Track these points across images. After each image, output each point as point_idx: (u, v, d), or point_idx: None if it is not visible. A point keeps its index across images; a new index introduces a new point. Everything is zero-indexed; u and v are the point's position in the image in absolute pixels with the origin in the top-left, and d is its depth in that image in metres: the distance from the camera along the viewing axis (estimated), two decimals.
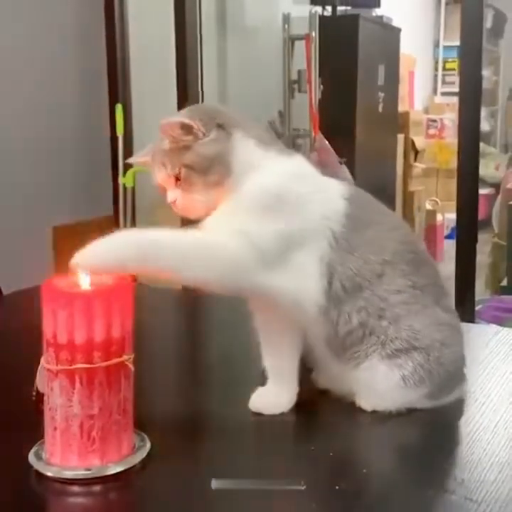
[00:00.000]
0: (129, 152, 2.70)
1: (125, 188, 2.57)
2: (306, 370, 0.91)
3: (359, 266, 0.83)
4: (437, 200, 5.10)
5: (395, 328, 0.84)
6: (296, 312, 0.83)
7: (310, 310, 0.83)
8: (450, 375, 0.87)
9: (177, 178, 0.83)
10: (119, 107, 2.53)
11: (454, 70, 6.14)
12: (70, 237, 2.25)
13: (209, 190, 0.82)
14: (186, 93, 2.63)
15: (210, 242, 0.80)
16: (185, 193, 0.83)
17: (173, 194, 0.84)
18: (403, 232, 0.91)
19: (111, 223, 2.67)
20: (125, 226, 2.59)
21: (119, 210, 2.60)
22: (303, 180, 0.85)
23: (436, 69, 6.52)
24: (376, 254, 0.84)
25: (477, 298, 2.59)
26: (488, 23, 5.91)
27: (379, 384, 0.84)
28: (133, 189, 2.60)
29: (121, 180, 2.55)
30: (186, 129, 0.81)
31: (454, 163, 2.58)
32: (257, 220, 0.80)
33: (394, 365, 0.84)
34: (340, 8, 3.72)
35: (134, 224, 2.66)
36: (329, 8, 3.64)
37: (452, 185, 2.75)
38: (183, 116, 0.82)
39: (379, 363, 0.84)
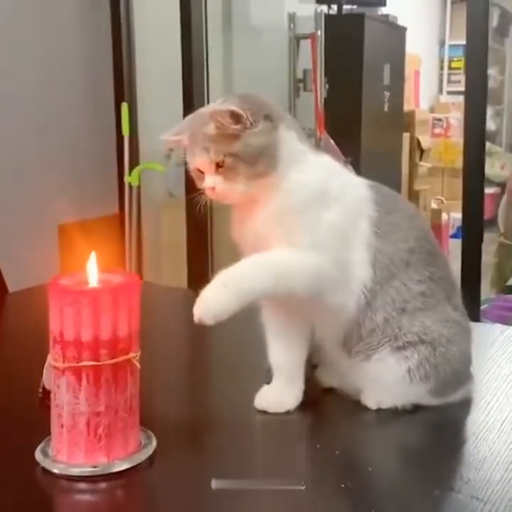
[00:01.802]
0: (134, 151, 2.71)
1: (131, 187, 2.57)
2: (309, 368, 0.91)
3: (392, 252, 0.85)
4: (443, 199, 5.08)
5: (409, 322, 0.84)
6: (325, 306, 0.84)
7: (349, 302, 0.83)
8: (456, 373, 0.87)
9: (218, 165, 0.82)
10: (124, 106, 2.53)
11: (459, 69, 6.12)
12: (75, 236, 2.25)
13: (252, 181, 0.82)
14: (192, 93, 2.63)
15: (297, 262, 0.82)
16: (227, 180, 0.82)
17: (212, 180, 0.83)
18: (421, 220, 0.94)
19: (116, 222, 2.68)
20: (130, 225, 2.59)
21: (125, 209, 2.61)
22: (338, 173, 0.87)
23: (441, 68, 6.51)
24: (403, 241, 0.86)
25: (482, 297, 2.59)
26: (493, 22, 5.89)
27: (385, 376, 0.84)
28: (138, 188, 2.60)
29: (126, 179, 2.55)
30: (235, 117, 0.81)
31: (459, 163, 2.57)
32: (313, 217, 0.82)
33: (401, 357, 0.84)
34: (345, 7, 3.71)
35: (139, 223, 2.66)
36: (335, 7, 3.63)
37: (458, 184, 2.74)
38: (232, 105, 0.81)
39: (389, 356, 0.84)
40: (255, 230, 0.83)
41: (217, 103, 0.84)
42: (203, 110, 0.85)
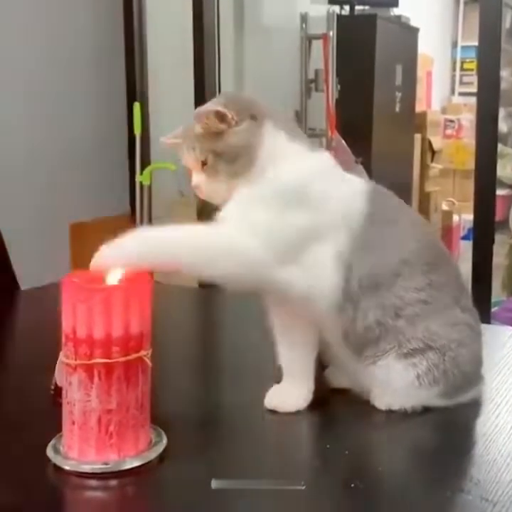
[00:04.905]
0: (146, 151, 2.72)
1: (142, 186, 2.58)
2: (319, 368, 0.91)
3: (377, 264, 0.83)
4: (454, 200, 5.07)
5: (412, 328, 0.84)
6: (310, 308, 0.84)
7: (323, 306, 0.83)
8: (466, 375, 0.87)
9: (204, 163, 0.83)
10: (136, 106, 2.54)
11: (472, 70, 6.10)
12: (87, 234, 2.27)
13: (233, 179, 0.83)
14: (203, 92, 2.64)
15: (227, 237, 0.81)
16: (210, 178, 0.83)
17: (197, 178, 0.84)
18: (422, 229, 0.91)
19: (128, 221, 2.69)
20: (142, 224, 2.60)
21: (136, 208, 2.62)
22: (326, 176, 0.85)
23: (454, 69, 6.49)
24: (394, 253, 0.85)
25: (493, 299, 2.58)
26: (506, 23, 5.85)
27: (394, 382, 0.84)
28: (150, 187, 2.61)
29: (138, 178, 2.56)
30: (220, 117, 0.82)
31: (470, 164, 2.57)
32: (277, 214, 0.81)
33: (409, 364, 0.84)
34: (358, 8, 3.70)
35: (150, 222, 2.67)
36: (347, 8, 3.63)
37: (469, 185, 2.73)
38: (218, 105, 0.82)
39: (395, 362, 0.84)
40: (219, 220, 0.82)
41: (208, 103, 0.84)
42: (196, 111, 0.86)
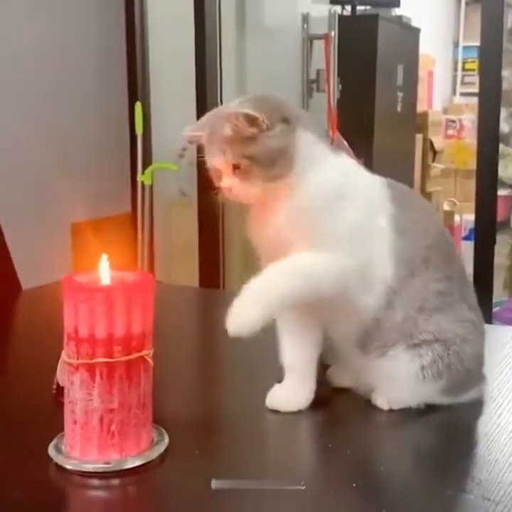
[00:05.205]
0: (147, 150, 2.71)
1: (143, 186, 2.58)
2: (321, 367, 0.91)
3: (411, 249, 0.85)
4: (455, 200, 5.06)
5: (426, 321, 0.84)
6: (367, 303, 0.84)
7: (379, 299, 0.84)
8: (468, 372, 0.87)
9: (235, 166, 0.82)
10: (138, 105, 2.54)
11: (473, 70, 6.10)
12: (88, 234, 2.27)
13: (269, 182, 0.82)
14: (205, 93, 2.64)
15: (329, 264, 0.82)
16: (243, 182, 0.82)
17: (229, 181, 0.83)
18: (438, 217, 0.93)
19: (129, 221, 2.69)
20: (142, 223, 2.60)
21: (138, 208, 2.62)
22: (355, 172, 0.87)
23: (455, 69, 6.48)
24: (422, 238, 0.86)
25: (494, 300, 2.57)
26: (508, 23, 5.85)
27: (399, 374, 0.85)
28: (151, 187, 2.61)
29: (139, 178, 2.56)
30: (251, 120, 0.80)
31: (472, 164, 2.56)
32: (333, 217, 0.82)
33: (415, 354, 0.84)
34: (359, 8, 3.70)
35: (151, 222, 2.67)
36: (348, 8, 3.63)
37: (470, 186, 2.74)
38: (246, 107, 0.81)
39: (403, 353, 0.84)
40: (275, 231, 0.83)
41: (235, 103, 0.83)
42: (223, 109, 0.85)
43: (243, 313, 0.80)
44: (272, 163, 0.81)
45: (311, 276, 0.82)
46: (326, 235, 0.82)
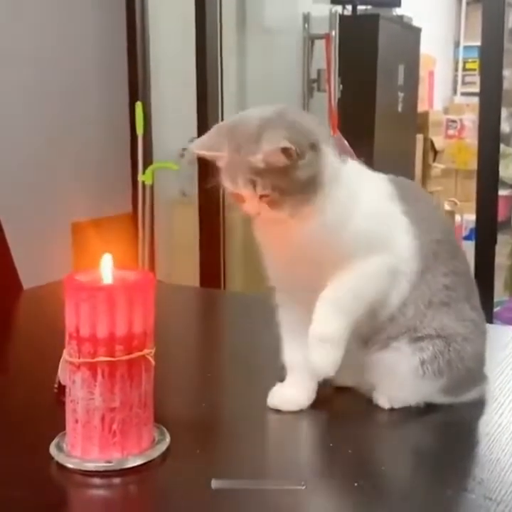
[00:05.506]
0: (148, 150, 2.72)
1: (144, 186, 2.58)
2: None
3: (425, 243, 0.85)
4: (456, 200, 5.06)
5: (431, 316, 0.85)
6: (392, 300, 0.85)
7: (404, 291, 0.85)
8: (469, 371, 0.87)
9: (263, 196, 0.79)
10: (139, 105, 2.54)
11: (474, 70, 6.09)
12: (89, 234, 2.26)
13: (299, 207, 0.80)
14: (206, 93, 2.64)
15: (382, 265, 0.84)
16: (273, 209, 0.80)
17: (256, 208, 0.80)
18: (443, 212, 0.93)
19: (129, 220, 2.69)
20: (143, 223, 2.60)
21: (138, 208, 2.62)
22: (364, 177, 0.87)
23: (456, 69, 6.47)
24: (432, 232, 0.86)
25: (495, 299, 2.58)
26: (509, 23, 5.85)
27: (399, 367, 0.85)
28: (152, 187, 2.61)
29: (140, 178, 2.56)
30: (286, 153, 0.77)
31: (473, 164, 2.56)
32: (369, 224, 0.83)
33: (416, 348, 0.84)
34: (360, 8, 3.70)
35: (152, 221, 2.67)
36: (349, 8, 3.63)
37: (471, 186, 2.74)
38: (282, 136, 0.76)
39: (406, 346, 0.85)
40: (300, 250, 0.82)
41: (259, 116, 0.79)
42: (244, 126, 0.79)
43: (321, 358, 0.83)
44: (299, 191, 0.79)
45: (371, 281, 0.83)
46: (358, 242, 0.82)
